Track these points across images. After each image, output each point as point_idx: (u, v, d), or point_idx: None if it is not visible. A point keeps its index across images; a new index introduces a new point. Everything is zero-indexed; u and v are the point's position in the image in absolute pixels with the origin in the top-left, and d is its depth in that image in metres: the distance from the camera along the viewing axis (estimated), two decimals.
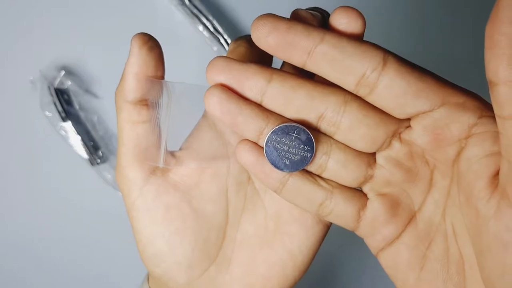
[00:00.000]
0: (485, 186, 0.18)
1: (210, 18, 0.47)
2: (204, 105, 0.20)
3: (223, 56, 0.20)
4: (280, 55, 0.19)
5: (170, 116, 0.23)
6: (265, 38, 0.18)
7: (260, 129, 0.20)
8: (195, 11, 0.47)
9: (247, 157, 0.21)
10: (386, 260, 0.22)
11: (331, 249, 0.46)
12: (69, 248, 0.51)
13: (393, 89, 0.18)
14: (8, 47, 0.47)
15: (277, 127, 0.20)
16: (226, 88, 0.20)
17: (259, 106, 0.20)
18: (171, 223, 0.23)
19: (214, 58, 0.20)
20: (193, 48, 0.48)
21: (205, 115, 0.24)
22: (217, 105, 0.20)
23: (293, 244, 0.24)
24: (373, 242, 0.22)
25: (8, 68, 0.47)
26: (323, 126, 0.20)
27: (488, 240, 0.18)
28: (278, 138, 0.20)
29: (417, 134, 0.20)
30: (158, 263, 0.23)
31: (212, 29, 0.47)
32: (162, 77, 0.23)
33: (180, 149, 0.24)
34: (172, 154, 0.24)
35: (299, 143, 0.20)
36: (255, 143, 0.21)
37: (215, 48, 0.47)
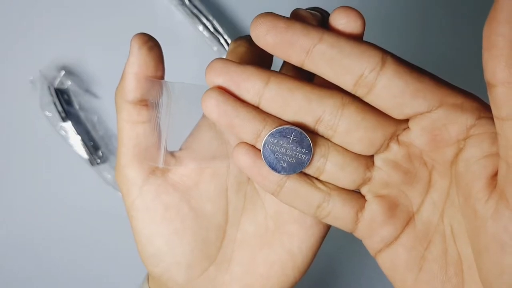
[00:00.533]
0: (483, 187, 0.18)
1: (210, 18, 0.47)
2: (202, 108, 0.20)
3: (221, 58, 0.20)
4: (278, 54, 0.19)
5: (169, 116, 0.23)
6: (264, 36, 0.18)
7: (258, 132, 0.20)
8: (195, 11, 0.47)
9: (244, 159, 0.21)
10: (384, 261, 0.22)
11: (330, 250, 0.46)
12: (69, 248, 0.51)
13: (391, 89, 0.18)
14: (8, 47, 0.47)
15: (274, 129, 0.20)
16: (224, 91, 0.20)
17: (256, 108, 0.20)
18: (170, 222, 0.23)
19: (213, 60, 0.20)
20: (193, 48, 0.48)
21: (205, 115, 0.24)
22: (214, 107, 0.19)
23: (293, 244, 0.24)
24: (371, 244, 0.22)
25: (8, 68, 0.47)
26: (321, 129, 0.20)
27: (486, 240, 0.18)
28: (276, 141, 0.20)
29: (415, 135, 0.20)
30: (157, 263, 0.23)
31: (212, 29, 0.47)
32: (162, 77, 0.23)
33: (180, 149, 0.24)
34: (172, 154, 0.24)
35: (297, 146, 0.20)
36: (252, 146, 0.21)
37: (215, 48, 0.47)
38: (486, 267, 0.19)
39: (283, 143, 0.20)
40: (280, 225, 0.24)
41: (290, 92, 0.19)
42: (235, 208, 0.24)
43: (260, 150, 0.20)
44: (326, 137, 0.20)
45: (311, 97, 0.19)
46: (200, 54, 0.48)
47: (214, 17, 0.47)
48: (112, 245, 0.50)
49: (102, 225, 0.50)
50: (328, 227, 0.25)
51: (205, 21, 0.47)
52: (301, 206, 0.21)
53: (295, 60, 0.19)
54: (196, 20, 0.47)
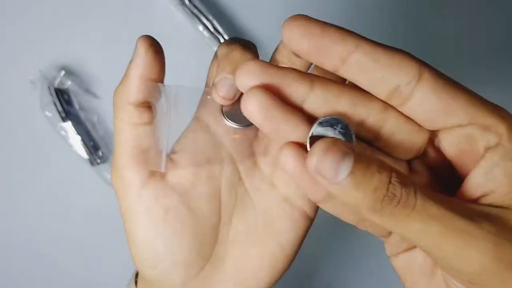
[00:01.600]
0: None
1: (210, 18, 0.47)
2: (241, 107, 0.18)
3: (256, 60, 0.19)
4: (312, 59, 0.18)
5: (169, 120, 0.23)
6: (298, 41, 0.18)
7: (304, 139, 0.19)
8: (195, 11, 0.47)
9: (293, 164, 0.19)
10: (401, 264, 0.22)
11: (326, 249, 0.46)
12: (69, 248, 0.51)
13: (425, 104, 0.18)
14: (8, 47, 0.47)
15: (322, 118, 0.19)
16: (267, 91, 0.18)
17: (302, 113, 0.19)
18: (170, 225, 0.23)
19: (245, 62, 0.18)
20: (193, 48, 0.48)
21: (196, 117, 0.24)
22: (258, 109, 0.18)
23: (282, 237, 0.24)
24: (393, 248, 0.22)
25: (8, 68, 0.47)
26: (363, 133, 0.20)
27: None
28: (323, 131, 0.19)
29: (445, 143, 0.20)
30: (155, 265, 0.23)
31: (212, 29, 0.47)
32: (162, 81, 0.23)
33: (174, 151, 0.24)
34: (169, 157, 0.24)
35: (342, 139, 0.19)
36: (302, 148, 0.19)
37: (215, 48, 0.47)
38: None
39: (329, 134, 0.19)
40: (270, 221, 0.24)
41: (336, 97, 0.19)
42: (226, 208, 0.24)
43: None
44: (367, 140, 0.20)
45: (356, 102, 0.19)
46: (200, 54, 0.48)
47: (214, 17, 0.47)
48: (112, 245, 0.50)
49: (102, 225, 0.50)
50: (312, 220, 0.25)
51: (205, 21, 0.47)
52: (346, 216, 0.21)
53: (329, 67, 0.18)
54: (196, 20, 0.47)
